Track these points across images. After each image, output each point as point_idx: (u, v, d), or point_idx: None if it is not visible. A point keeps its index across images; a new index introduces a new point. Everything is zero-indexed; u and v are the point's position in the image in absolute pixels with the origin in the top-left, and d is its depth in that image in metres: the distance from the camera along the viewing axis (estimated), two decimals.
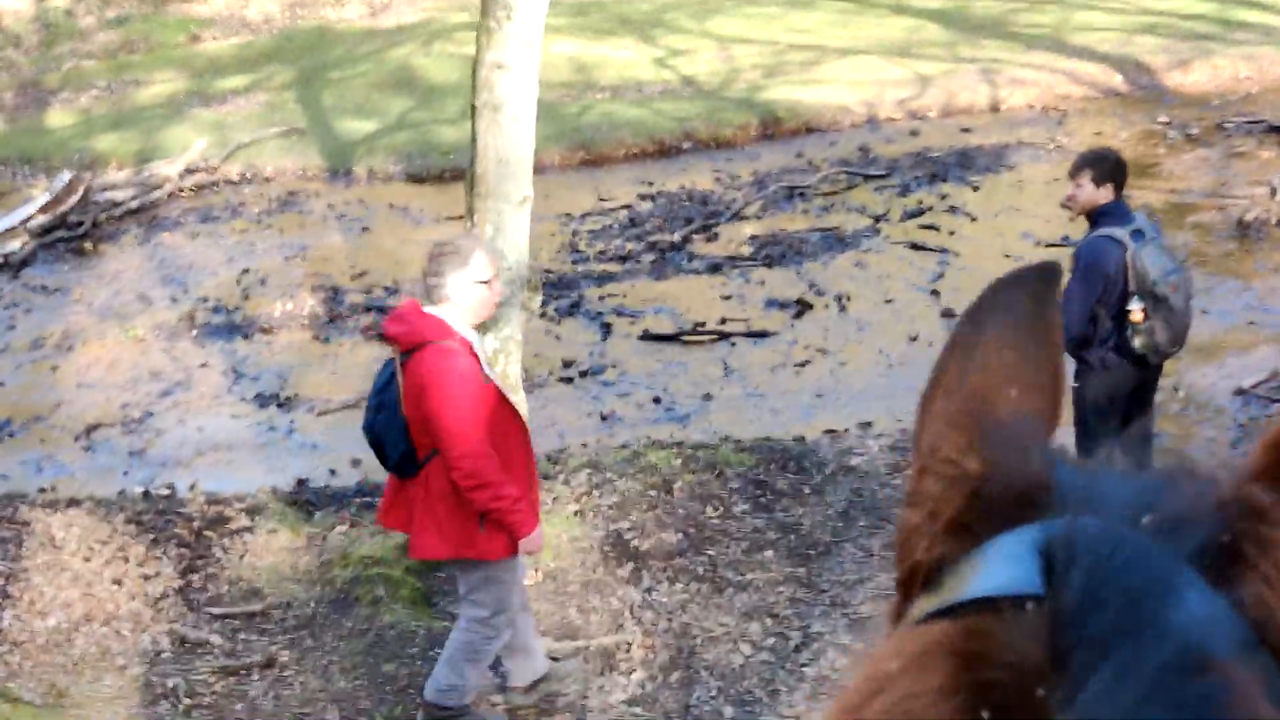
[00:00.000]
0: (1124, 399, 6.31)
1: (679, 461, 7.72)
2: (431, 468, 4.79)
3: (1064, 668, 0.56)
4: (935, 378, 0.79)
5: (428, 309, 4.86)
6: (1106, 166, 6.04)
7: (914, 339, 10.08)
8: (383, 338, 5.05)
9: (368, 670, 5.42)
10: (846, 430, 8.51)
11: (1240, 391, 8.46)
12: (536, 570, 6.47)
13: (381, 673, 5.41)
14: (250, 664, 5.58)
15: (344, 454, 8.80)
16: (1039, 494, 0.66)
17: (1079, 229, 10.21)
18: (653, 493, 7.34)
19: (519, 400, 6.80)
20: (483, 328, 6.63)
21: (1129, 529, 0.61)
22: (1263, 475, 0.65)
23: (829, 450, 8.11)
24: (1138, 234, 5.88)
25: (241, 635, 5.91)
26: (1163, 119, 15.50)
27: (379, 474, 8.34)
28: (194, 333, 11.22)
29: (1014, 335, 0.78)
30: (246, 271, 12.68)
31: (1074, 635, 0.56)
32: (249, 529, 7.11)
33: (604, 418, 9.10)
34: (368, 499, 7.65)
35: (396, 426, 4.76)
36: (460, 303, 4.82)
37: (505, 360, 6.69)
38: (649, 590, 6.40)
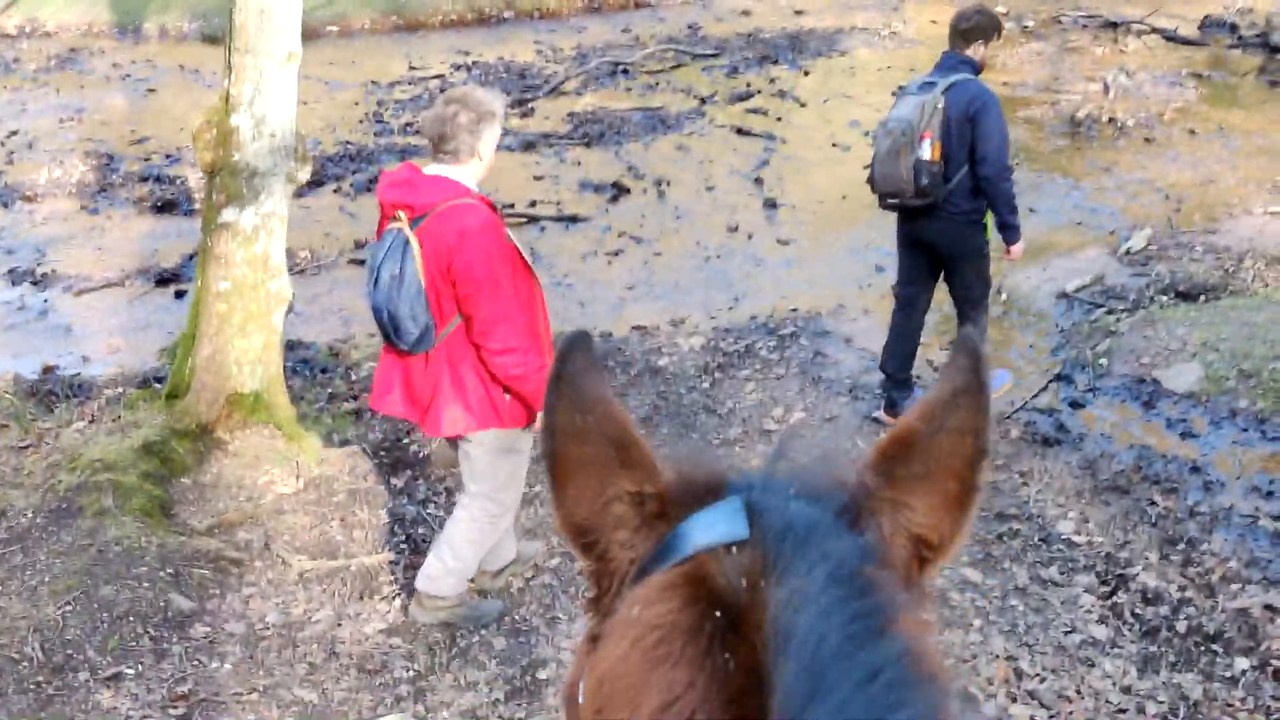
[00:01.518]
0: (911, 250, 6.40)
1: None
2: (452, 338, 4.39)
3: (774, 570, 0.88)
4: (553, 458, 1.04)
5: (433, 169, 4.34)
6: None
7: (733, 229, 9.53)
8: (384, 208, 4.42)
9: (83, 593, 4.68)
10: (657, 327, 7.96)
11: (1063, 295, 8.11)
12: (298, 478, 5.77)
13: (99, 597, 4.67)
14: None
15: (101, 339, 7.91)
16: (720, 482, 1.00)
17: None
18: None
19: (284, 282, 6.05)
20: (241, 202, 5.85)
21: (795, 497, 0.96)
22: (874, 466, 1.01)
23: (637, 348, 7.56)
24: (927, 84, 6.07)
25: None
26: (999, 9, 15.13)
27: (137, 363, 7.52)
28: None
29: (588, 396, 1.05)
30: (14, 134, 11.51)
31: (777, 554, 0.89)
32: None
33: None
34: (119, 390, 6.82)
35: (416, 299, 4.25)
36: (486, 160, 4.42)
37: (268, 239, 5.91)
38: (424, 503, 5.77)
